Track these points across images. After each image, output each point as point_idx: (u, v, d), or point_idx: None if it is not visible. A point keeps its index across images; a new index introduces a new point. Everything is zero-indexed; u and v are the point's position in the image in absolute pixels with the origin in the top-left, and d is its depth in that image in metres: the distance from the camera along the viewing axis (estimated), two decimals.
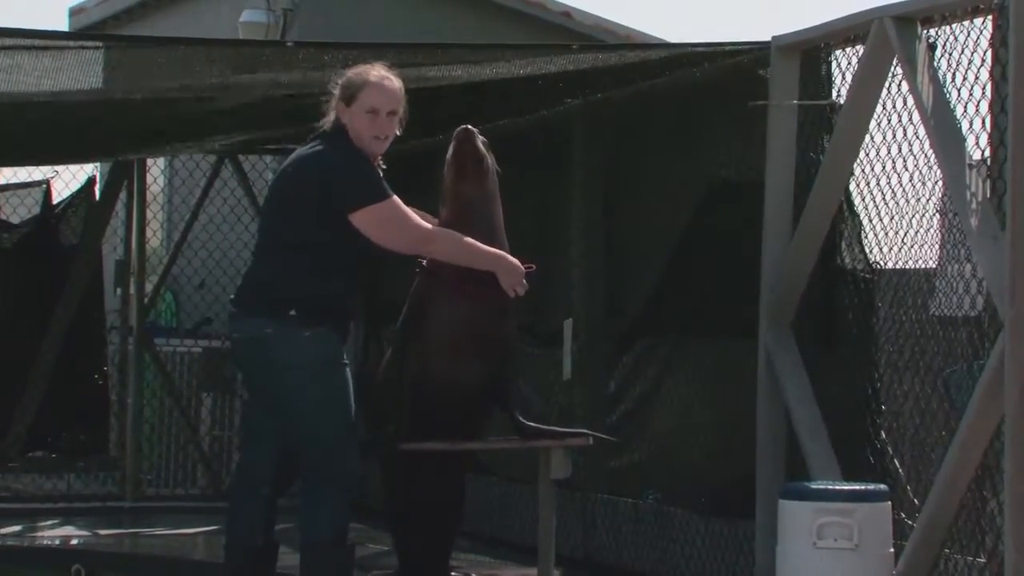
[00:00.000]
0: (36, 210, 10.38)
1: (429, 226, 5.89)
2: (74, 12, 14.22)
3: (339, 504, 5.69)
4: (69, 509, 9.82)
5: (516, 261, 6.01)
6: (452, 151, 6.22)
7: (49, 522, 9.39)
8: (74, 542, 8.98)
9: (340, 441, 5.71)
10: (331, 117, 5.83)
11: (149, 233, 10.57)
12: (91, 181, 10.28)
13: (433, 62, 7.57)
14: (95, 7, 13.89)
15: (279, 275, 5.72)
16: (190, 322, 11.62)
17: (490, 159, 6.25)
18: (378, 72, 5.82)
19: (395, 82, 5.83)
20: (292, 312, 5.64)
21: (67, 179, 10.45)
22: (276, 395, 5.71)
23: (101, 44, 7.15)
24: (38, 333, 9.83)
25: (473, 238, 6.05)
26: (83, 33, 13.03)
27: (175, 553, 8.57)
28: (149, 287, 10.40)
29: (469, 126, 6.22)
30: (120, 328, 10.30)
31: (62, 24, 14.68)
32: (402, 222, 5.74)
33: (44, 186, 10.38)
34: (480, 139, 6.23)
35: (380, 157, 5.84)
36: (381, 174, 5.81)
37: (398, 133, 5.86)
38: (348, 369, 5.79)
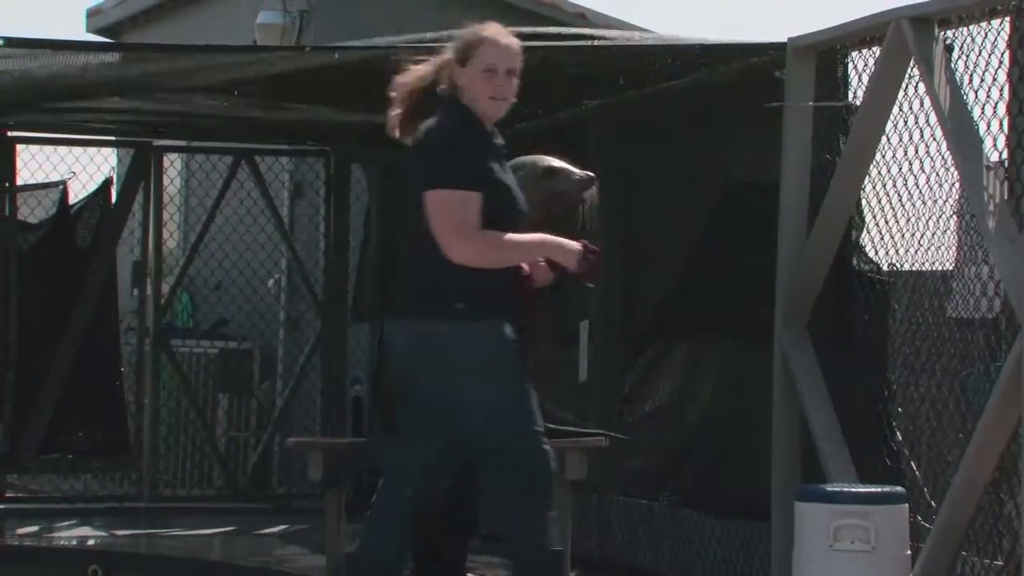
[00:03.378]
0: (53, 211, 10.41)
1: (475, 232, 5.18)
2: (91, 14, 14.26)
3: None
4: (86, 510, 9.84)
5: (563, 240, 5.37)
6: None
7: (66, 522, 9.41)
8: (91, 542, 9.00)
9: (526, 442, 5.25)
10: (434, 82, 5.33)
11: (166, 234, 10.58)
12: (108, 182, 10.31)
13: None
14: (112, 8, 13.93)
15: (442, 267, 5.20)
16: (206, 323, 11.65)
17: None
18: (494, 28, 5.41)
19: (513, 39, 5.39)
20: (460, 306, 5.18)
21: (84, 180, 10.49)
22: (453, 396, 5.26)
23: (118, 53, 7.17)
24: (55, 334, 9.86)
25: None
26: (101, 43, 13.05)
27: (192, 554, 8.58)
28: (166, 288, 10.41)
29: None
30: (137, 329, 10.32)
31: (79, 24, 14.72)
32: (448, 216, 5.15)
33: (61, 187, 10.41)
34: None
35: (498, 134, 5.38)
36: (485, 157, 5.28)
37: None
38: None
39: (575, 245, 5.33)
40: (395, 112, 5.39)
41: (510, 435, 5.24)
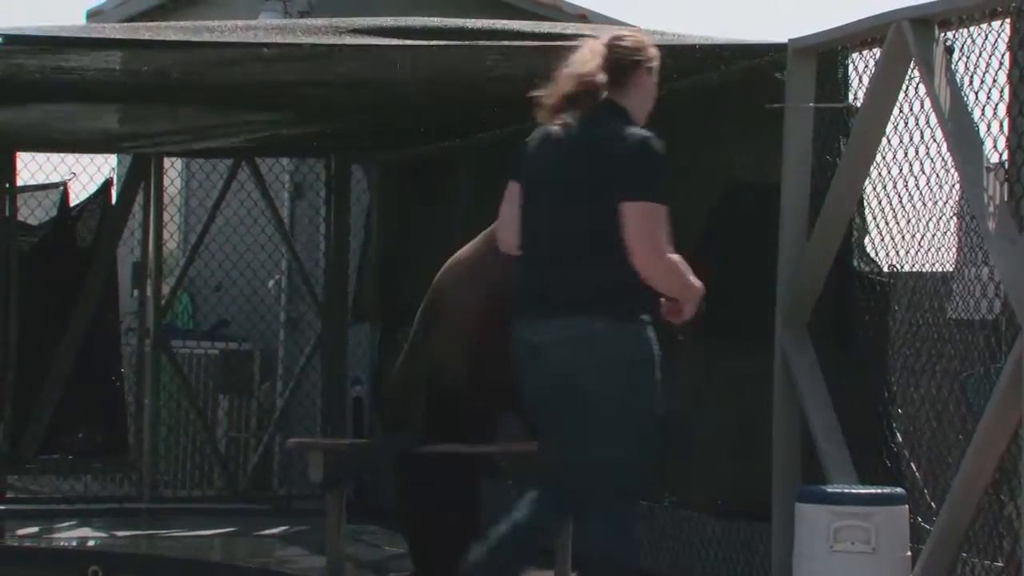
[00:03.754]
0: (53, 212, 10.42)
1: (667, 250, 5.27)
2: (91, 15, 14.25)
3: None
4: (86, 510, 9.85)
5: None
6: None
7: (66, 523, 9.42)
8: (91, 543, 9.01)
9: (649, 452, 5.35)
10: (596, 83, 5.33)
11: (166, 235, 10.59)
12: (108, 183, 10.31)
13: (449, 62, 7.57)
14: (113, 9, 13.92)
15: (613, 268, 5.22)
16: (207, 324, 11.65)
17: None
18: None
19: None
20: (625, 306, 5.23)
21: (84, 181, 10.50)
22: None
23: (119, 49, 7.15)
24: (55, 335, 9.86)
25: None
26: (101, 39, 13.00)
27: (192, 554, 8.59)
28: (166, 289, 10.42)
29: None
30: (137, 330, 10.33)
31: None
32: (653, 230, 5.21)
33: (61, 188, 10.42)
34: None
35: None
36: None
37: None
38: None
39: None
40: (554, 98, 5.35)
41: (639, 440, 5.26)
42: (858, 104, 6.41)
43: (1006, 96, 5.61)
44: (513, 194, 5.44)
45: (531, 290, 5.31)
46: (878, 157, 6.33)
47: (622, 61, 5.36)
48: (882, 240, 6.38)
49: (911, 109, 6.12)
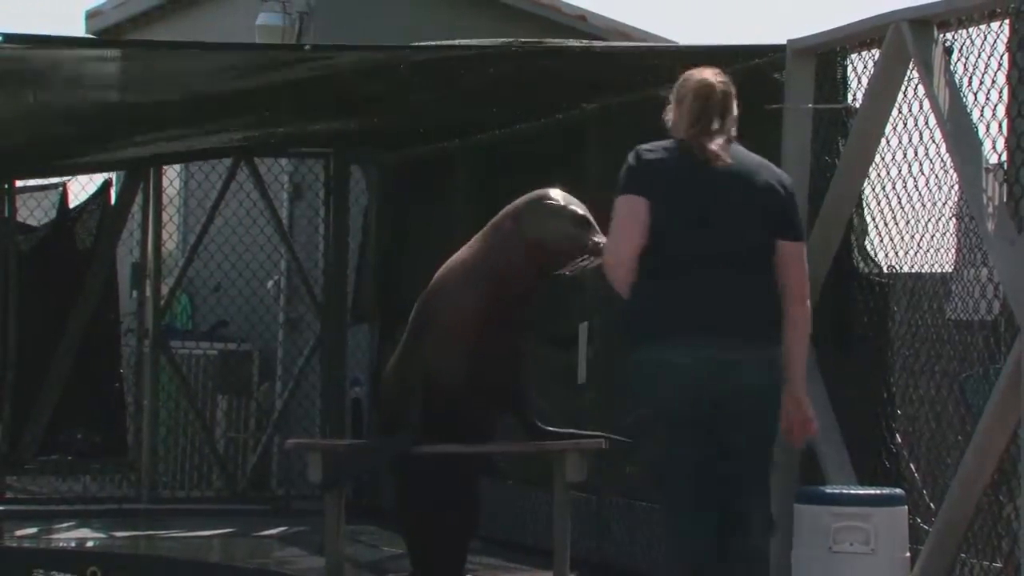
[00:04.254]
0: (53, 213, 10.42)
1: None
2: (90, 15, 14.26)
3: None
4: (85, 511, 9.85)
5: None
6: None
7: (65, 524, 9.42)
8: (90, 544, 9.01)
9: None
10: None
11: (165, 236, 10.59)
12: (107, 184, 10.32)
13: (446, 63, 7.58)
14: (112, 10, 13.93)
15: (775, 297, 5.44)
16: (206, 325, 11.65)
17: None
18: None
19: None
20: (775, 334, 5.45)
21: (84, 182, 10.50)
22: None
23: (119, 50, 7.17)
24: (55, 335, 9.86)
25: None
26: (101, 40, 13.05)
27: (191, 555, 8.59)
28: (165, 290, 10.42)
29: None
30: (136, 330, 10.33)
31: (79, 26, 14.73)
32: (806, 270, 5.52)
33: (60, 189, 10.42)
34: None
35: None
36: None
37: None
38: None
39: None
40: (705, 122, 5.56)
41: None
42: (857, 105, 6.41)
43: (1005, 97, 5.61)
44: (638, 209, 5.43)
45: (707, 307, 5.33)
46: (877, 158, 6.33)
47: (732, 101, 5.60)
48: (881, 241, 6.39)
49: (910, 110, 6.13)
